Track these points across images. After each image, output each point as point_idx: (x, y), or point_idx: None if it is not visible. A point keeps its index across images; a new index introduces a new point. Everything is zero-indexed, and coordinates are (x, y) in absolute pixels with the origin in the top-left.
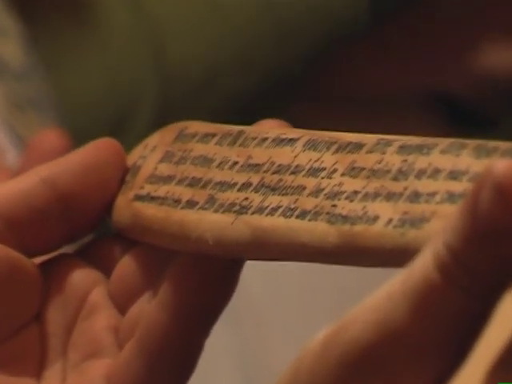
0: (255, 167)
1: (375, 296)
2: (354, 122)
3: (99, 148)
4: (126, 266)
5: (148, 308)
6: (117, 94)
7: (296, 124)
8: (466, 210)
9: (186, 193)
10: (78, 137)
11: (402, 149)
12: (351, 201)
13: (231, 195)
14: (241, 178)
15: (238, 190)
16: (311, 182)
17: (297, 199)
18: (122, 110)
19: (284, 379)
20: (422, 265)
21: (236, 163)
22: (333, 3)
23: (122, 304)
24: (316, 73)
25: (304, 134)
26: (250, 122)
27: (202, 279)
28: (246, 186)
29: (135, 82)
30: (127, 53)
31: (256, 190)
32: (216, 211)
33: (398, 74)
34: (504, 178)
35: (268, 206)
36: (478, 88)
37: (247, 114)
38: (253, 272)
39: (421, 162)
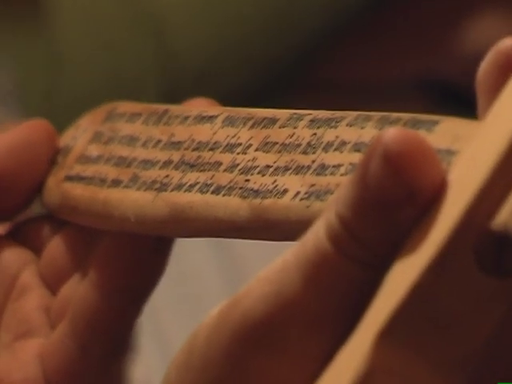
0: (177, 145)
1: (269, 268)
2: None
3: (30, 128)
4: (57, 246)
5: (79, 288)
6: (118, 86)
7: None
8: (356, 179)
9: (112, 172)
10: None
11: (313, 122)
12: (263, 175)
13: (153, 173)
14: (163, 156)
15: (160, 168)
16: (227, 158)
17: (213, 175)
18: (123, 97)
19: (180, 355)
20: (315, 235)
21: (159, 141)
22: None
23: (53, 284)
24: (313, 61)
25: (224, 111)
26: None
27: (132, 259)
28: (167, 163)
29: (136, 72)
30: (128, 44)
31: (176, 168)
32: (138, 189)
33: (387, 59)
34: (392, 145)
35: (186, 183)
36: (468, 70)
37: (248, 104)
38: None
39: (329, 134)
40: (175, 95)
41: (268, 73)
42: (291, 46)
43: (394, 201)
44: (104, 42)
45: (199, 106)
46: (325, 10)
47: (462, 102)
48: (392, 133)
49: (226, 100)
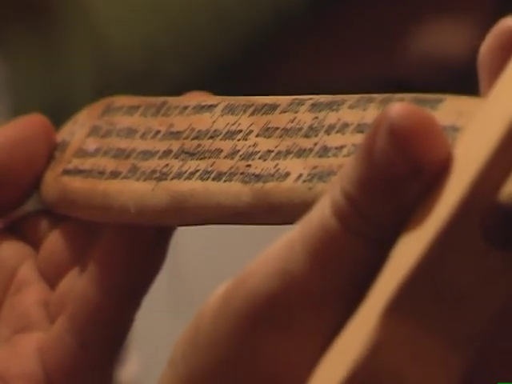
0: (176, 134)
1: (275, 246)
2: None
3: (27, 123)
4: (55, 240)
5: (78, 282)
6: (54, 85)
7: None
8: (361, 155)
9: (110, 164)
10: None
11: (314, 106)
12: (264, 160)
13: (153, 163)
14: (162, 146)
15: (159, 158)
16: (228, 145)
17: (214, 162)
18: (60, 99)
19: (185, 335)
20: (320, 212)
21: (158, 132)
22: None
23: (51, 278)
24: (261, 63)
25: (223, 100)
26: None
27: (131, 253)
28: (166, 153)
29: (73, 71)
30: (65, 44)
31: (176, 157)
32: (138, 179)
33: (347, 64)
34: (398, 120)
35: (186, 171)
36: (426, 70)
37: None
38: (196, 260)
39: (330, 117)
40: (114, 93)
41: (209, 71)
42: (231, 45)
43: (400, 176)
44: (43, 41)
45: (195, 97)
46: (262, 9)
47: None
48: (398, 108)
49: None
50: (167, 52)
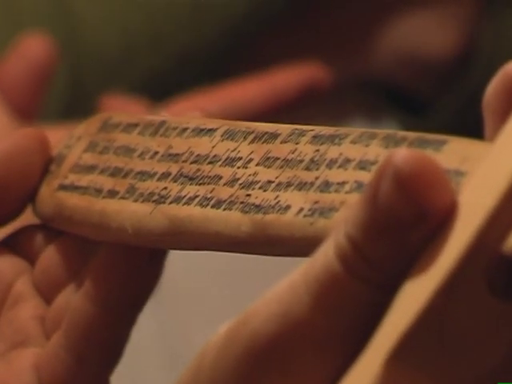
0: (175, 157)
1: (278, 287)
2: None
3: (22, 137)
4: (51, 255)
5: (74, 299)
6: None
7: None
8: (366, 200)
9: (107, 182)
10: None
11: (315, 139)
12: (265, 190)
13: (151, 185)
14: (161, 168)
15: (158, 180)
16: (227, 172)
17: (213, 189)
18: None
19: (187, 374)
20: (324, 255)
21: (157, 153)
22: None
23: (47, 294)
24: (237, 56)
25: (223, 124)
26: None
27: (126, 270)
28: (165, 175)
29: None
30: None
31: (175, 180)
32: (136, 200)
33: (321, 58)
34: (403, 166)
35: (185, 196)
36: (401, 67)
37: (164, 94)
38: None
39: (332, 151)
40: (88, 82)
41: (185, 64)
42: (207, 38)
43: (404, 222)
44: (14, 28)
45: (193, 116)
46: (239, 4)
47: (406, 101)
48: (402, 153)
49: (142, 88)
50: (144, 42)
